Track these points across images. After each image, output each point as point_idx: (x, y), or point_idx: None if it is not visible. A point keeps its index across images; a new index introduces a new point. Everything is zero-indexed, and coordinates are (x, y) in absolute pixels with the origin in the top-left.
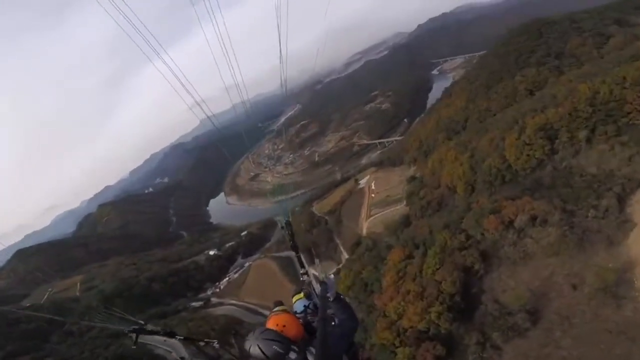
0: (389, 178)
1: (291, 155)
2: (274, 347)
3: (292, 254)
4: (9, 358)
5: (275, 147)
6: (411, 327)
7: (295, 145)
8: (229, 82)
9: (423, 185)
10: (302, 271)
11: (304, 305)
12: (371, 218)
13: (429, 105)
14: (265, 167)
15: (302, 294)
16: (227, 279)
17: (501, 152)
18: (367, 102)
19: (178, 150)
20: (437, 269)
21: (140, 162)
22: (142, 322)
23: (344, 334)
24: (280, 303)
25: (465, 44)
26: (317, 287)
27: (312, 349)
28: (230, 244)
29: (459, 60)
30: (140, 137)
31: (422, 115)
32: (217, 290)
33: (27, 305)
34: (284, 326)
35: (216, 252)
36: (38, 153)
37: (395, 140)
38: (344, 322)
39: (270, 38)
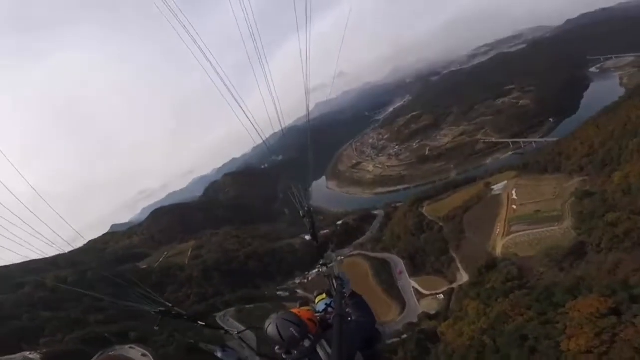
0: (538, 188)
1: (397, 147)
2: (291, 329)
3: (389, 256)
4: (102, 324)
5: (380, 136)
6: None
7: (403, 137)
8: (338, 70)
9: (608, 205)
10: (321, 262)
11: (326, 304)
12: (511, 236)
13: (583, 105)
14: (368, 157)
15: (324, 295)
16: (316, 270)
17: None
18: (498, 96)
19: (293, 131)
20: None
21: (261, 140)
22: (170, 304)
23: (359, 330)
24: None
25: (637, 42)
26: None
27: (324, 342)
28: (324, 231)
29: (628, 58)
30: (264, 117)
31: (593, 115)
32: (305, 281)
33: (143, 267)
34: (300, 312)
35: (311, 238)
36: (186, 123)
37: (537, 141)
38: (360, 319)
39: (380, 27)
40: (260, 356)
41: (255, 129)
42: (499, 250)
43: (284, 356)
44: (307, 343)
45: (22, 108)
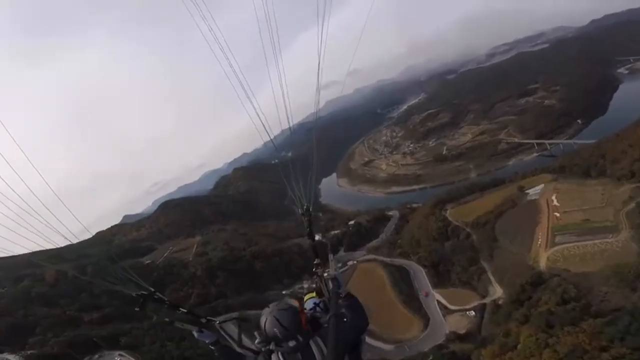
0: (583, 194)
1: (412, 145)
2: (275, 329)
3: (407, 263)
4: (96, 325)
5: (394, 134)
6: None
7: (419, 135)
8: (351, 67)
9: None
10: (315, 261)
11: (314, 303)
12: (557, 247)
13: (612, 106)
14: (381, 154)
15: (314, 294)
16: (326, 274)
17: None
18: (521, 95)
19: (303, 129)
20: None
21: (272, 136)
22: (152, 289)
23: (353, 330)
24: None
25: None
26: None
27: (319, 339)
28: (335, 232)
29: None
30: (275, 113)
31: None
32: (314, 285)
33: (146, 262)
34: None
35: (321, 239)
36: (199, 117)
37: (564, 143)
38: (354, 320)
39: (394, 25)
40: (241, 348)
41: (264, 125)
42: (543, 264)
43: (274, 347)
44: (291, 343)
45: (36, 108)
